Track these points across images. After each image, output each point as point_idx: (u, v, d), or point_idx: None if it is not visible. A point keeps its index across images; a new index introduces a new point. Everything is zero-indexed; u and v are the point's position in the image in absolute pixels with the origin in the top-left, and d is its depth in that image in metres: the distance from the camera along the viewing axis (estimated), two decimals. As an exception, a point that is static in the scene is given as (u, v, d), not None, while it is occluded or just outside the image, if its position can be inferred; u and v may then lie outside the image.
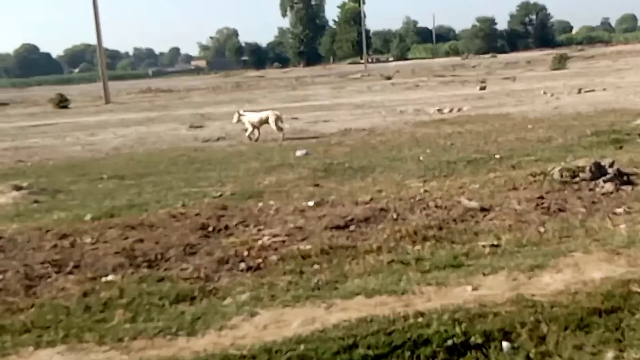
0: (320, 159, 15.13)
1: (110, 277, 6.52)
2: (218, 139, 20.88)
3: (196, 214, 8.75)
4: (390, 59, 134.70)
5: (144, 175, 14.21)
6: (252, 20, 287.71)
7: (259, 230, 8.04)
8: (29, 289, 6.29)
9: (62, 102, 47.47)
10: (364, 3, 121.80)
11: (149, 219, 8.67)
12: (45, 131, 28.79)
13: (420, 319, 5.46)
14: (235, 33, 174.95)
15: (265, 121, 19.98)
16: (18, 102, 59.95)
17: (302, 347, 5.09)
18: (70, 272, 6.67)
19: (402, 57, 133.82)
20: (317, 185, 11.88)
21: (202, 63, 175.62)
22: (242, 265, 6.91)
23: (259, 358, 4.98)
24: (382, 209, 8.67)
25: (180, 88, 67.75)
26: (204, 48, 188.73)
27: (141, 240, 7.54)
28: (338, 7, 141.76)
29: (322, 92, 47.10)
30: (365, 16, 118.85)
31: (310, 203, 9.30)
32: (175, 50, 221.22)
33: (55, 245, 7.43)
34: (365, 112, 27.85)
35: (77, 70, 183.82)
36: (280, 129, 19.84)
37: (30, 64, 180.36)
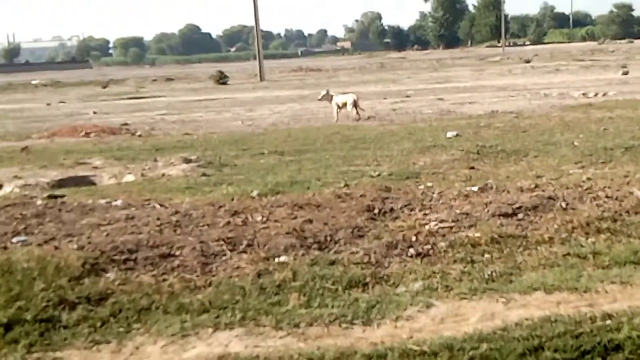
0: (471, 140, 14.38)
1: (282, 258, 6.12)
2: (368, 118, 20.39)
3: (361, 195, 8.27)
4: (527, 42, 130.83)
5: (302, 152, 13.87)
6: (395, 4, 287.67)
7: (425, 214, 7.47)
8: (205, 267, 5.96)
9: (221, 79, 48.20)
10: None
11: (315, 198, 8.24)
12: (207, 106, 29.12)
13: (608, 322, 4.81)
14: (379, 16, 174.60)
15: (345, 104, 20.31)
16: (182, 78, 61.47)
17: (484, 346, 4.54)
18: (244, 251, 6.30)
19: (538, 41, 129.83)
20: (472, 167, 11.18)
21: (347, 44, 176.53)
22: (411, 250, 6.39)
23: (440, 355, 4.47)
24: (549, 197, 7.95)
25: (328, 67, 67.75)
26: (349, 30, 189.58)
27: (310, 221, 7.11)
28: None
29: (463, 74, 45.87)
30: (504, 1, 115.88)
31: (474, 188, 8.64)
32: (322, 32, 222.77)
33: (228, 222, 7.10)
34: (509, 94, 26.71)
35: (233, 49, 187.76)
36: (357, 111, 20.10)
37: (192, 43, 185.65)
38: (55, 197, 9.69)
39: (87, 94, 43.76)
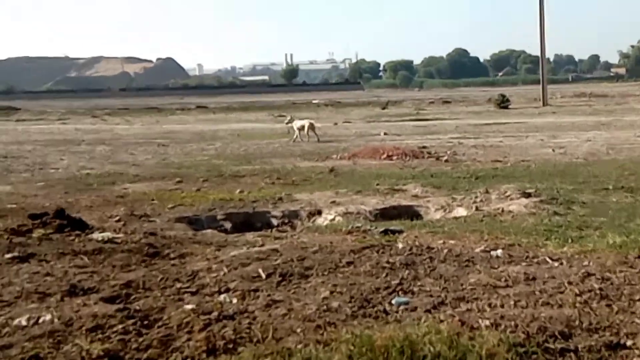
0: None
1: None
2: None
3: None
4: None
5: (658, 190, 11.40)
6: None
7: None
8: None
9: (503, 102, 45.85)
10: None
11: None
12: (500, 130, 27.07)
13: None
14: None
15: (303, 127, 24.10)
16: (459, 101, 59.87)
17: None
18: None
19: None
20: None
21: (622, 70, 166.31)
22: None
23: None
24: None
25: (614, 93, 62.84)
26: (624, 56, 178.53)
27: None
28: None
29: None
30: None
31: None
32: (594, 58, 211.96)
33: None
34: None
35: (500, 74, 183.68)
36: (315, 134, 23.94)
37: (460, 67, 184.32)
38: (392, 232, 8.21)
39: (368, 115, 43.49)
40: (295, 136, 24.23)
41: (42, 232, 6.92)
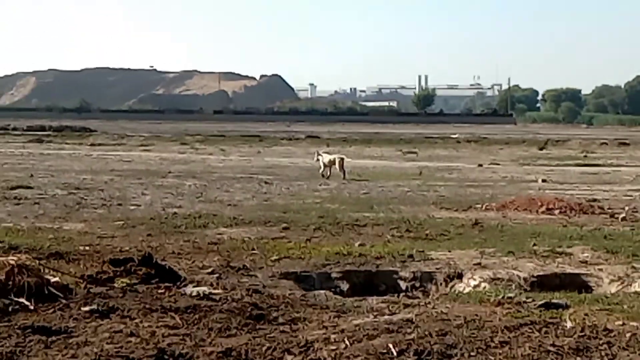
0: None
1: None
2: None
3: None
4: None
5: None
6: None
7: None
8: None
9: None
10: None
11: None
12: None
13: None
14: None
15: (334, 162, 26.79)
16: (638, 142, 58.53)
17: None
18: None
19: None
20: None
21: None
22: None
23: None
24: None
25: None
26: None
27: None
28: None
29: None
30: None
31: None
32: None
33: None
34: None
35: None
36: (343, 170, 26.49)
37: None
38: (555, 306, 8.09)
39: (521, 155, 43.16)
40: (321, 170, 27.13)
41: (126, 282, 7.18)
